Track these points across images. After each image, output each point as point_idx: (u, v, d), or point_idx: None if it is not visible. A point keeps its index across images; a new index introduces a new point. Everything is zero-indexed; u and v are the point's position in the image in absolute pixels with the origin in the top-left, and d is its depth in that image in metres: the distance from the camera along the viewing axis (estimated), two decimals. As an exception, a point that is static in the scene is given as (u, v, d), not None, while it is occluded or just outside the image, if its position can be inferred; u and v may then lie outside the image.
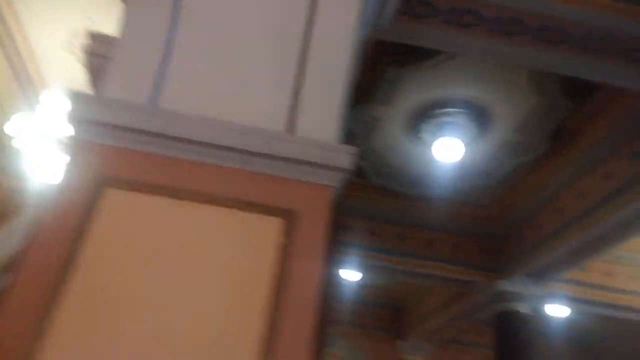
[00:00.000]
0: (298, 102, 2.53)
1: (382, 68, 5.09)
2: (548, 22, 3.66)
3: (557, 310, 8.52)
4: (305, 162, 2.33)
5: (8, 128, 6.08)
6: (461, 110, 5.42)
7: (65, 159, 2.34)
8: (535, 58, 3.83)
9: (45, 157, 6.07)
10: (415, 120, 5.79)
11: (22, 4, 6.25)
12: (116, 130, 2.30)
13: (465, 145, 5.86)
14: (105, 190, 2.18)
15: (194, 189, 2.32)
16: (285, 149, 2.35)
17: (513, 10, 3.66)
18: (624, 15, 3.61)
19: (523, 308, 7.15)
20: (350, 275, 8.33)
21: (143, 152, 2.42)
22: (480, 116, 5.51)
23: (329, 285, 2.40)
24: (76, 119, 2.24)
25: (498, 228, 7.42)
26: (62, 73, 6.72)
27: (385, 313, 10.88)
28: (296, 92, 2.57)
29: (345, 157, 2.37)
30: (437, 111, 5.49)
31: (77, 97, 2.26)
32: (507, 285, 7.13)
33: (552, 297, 7.62)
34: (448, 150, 5.68)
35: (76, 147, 2.27)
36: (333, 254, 2.50)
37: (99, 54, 2.89)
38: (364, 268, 7.54)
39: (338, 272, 8.66)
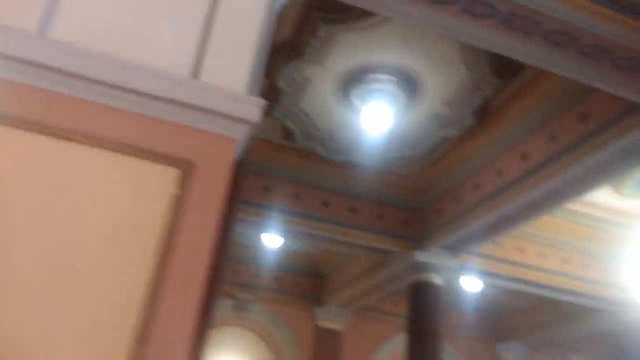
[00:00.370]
0: (206, 46, 2.33)
1: (314, 25, 4.93)
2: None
3: (471, 283, 8.94)
4: (208, 110, 2.16)
5: None
6: (392, 77, 5.38)
7: None
8: (462, 30, 3.81)
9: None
10: (346, 85, 5.69)
11: None
12: (-2, 58, 2.03)
13: (394, 115, 5.86)
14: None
15: (83, 130, 2.10)
16: (187, 95, 2.17)
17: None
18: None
19: (438, 279, 7.42)
20: (271, 240, 8.26)
21: (27, 85, 2.16)
22: (410, 86, 5.50)
23: (226, 243, 2.29)
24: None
25: (420, 200, 7.59)
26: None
27: (305, 280, 10.98)
28: (205, 35, 2.36)
29: (252, 110, 2.22)
30: (369, 77, 5.42)
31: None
32: (424, 257, 7.34)
33: (466, 270, 7.94)
34: (377, 118, 5.65)
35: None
36: (234, 211, 2.37)
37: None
38: (286, 233, 7.47)
39: (260, 236, 8.58)
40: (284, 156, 7.08)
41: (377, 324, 11.12)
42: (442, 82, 5.51)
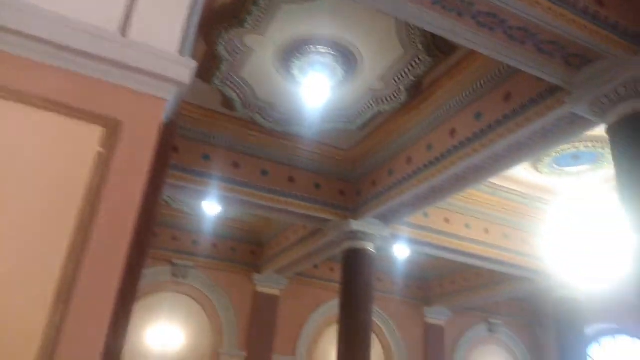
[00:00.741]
0: (136, 4, 2.31)
1: (255, -7, 4.90)
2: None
3: (401, 251, 9.38)
4: (136, 69, 2.17)
5: None
6: (330, 50, 5.46)
7: None
8: (396, 7, 3.91)
9: None
10: (287, 56, 5.73)
11: None
12: None
13: (332, 88, 5.97)
14: None
15: (6, 85, 2.05)
16: (115, 52, 2.16)
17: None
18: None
19: (370, 247, 7.74)
20: (210, 207, 8.27)
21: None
22: (347, 59, 5.62)
23: (155, 206, 2.32)
24: None
25: (355, 171, 7.83)
26: None
27: (243, 247, 11.09)
28: (136, -7, 2.35)
29: (182, 70, 2.25)
30: (308, 48, 5.48)
31: None
32: (358, 226, 7.62)
33: (397, 239, 8.30)
34: (315, 90, 5.74)
35: None
36: (164, 174, 2.40)
37: None
38: (224, 201, 7.50)
39: (199, 204, 8.54)
40: (223, 124, 7.05)
41: (312, 289, 11.46)
42: (378, 57, 5.65)
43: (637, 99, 4.12)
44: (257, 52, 5.72)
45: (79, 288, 1.86)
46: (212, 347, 10.33)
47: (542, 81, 4.86)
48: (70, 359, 1.77)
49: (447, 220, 8.34)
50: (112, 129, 2.10)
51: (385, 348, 11.91)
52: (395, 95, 6.20)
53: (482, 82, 5.61)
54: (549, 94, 4.91)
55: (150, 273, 9.94)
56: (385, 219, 7.64)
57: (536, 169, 7.50)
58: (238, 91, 6.40)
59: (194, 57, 2.46)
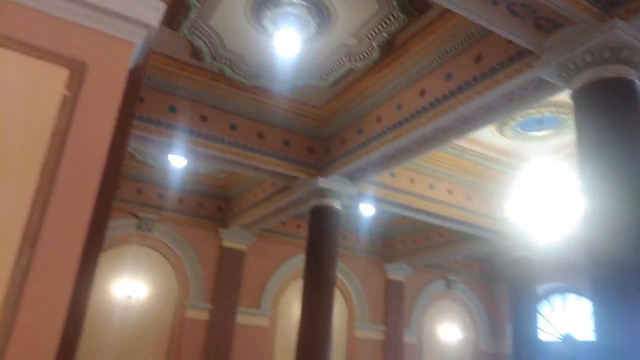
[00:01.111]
0: (103, -60, 2.19)
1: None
2: None
3: (367, 209, 9.55)
4: (104, 9, 2.08)
5: None
6: (303, 2, 5.33)
7: None
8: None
9: None
10: (259, 6, 5.56)
11: None
12: None
13: (304, 42, 5.86)
14: None
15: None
16: (80, -9, 2.06)
17: None
18: None
19: (337, 204, 7.83)
20: (177, 160, 8.15)
21: None
22: (320, 13, 5.50)
23: (122, 153, 2.28)
24: None
25: (325, 129, 7.81)
26: None
27: (210, 201, 11.06)
28: None
29: (150, 13, 2.17)
30: None
31: None
32: (326, 183, 7.68)
33: (363, 197, 8.42)
34: (287, 43, 5.63)
35: None
36: (130, 123, 2.35)
37: None
38: (191, 154, 7.39)
39: (165, 156, 8.40)
40: (191, 75, 6.87)
41: (279, 245, 11.61)
42: (352, 12, 5.56)
43: (603, 66, 4.22)
44: (228, 0, 5.53)
45: (46, 232, 1.84)
46: (178, 299, 10.43)
47: (513, 45, 4.91)
48: (38, 303, 1.77)
49: (412, 181, 8.49)
50: (78, 72, 2.03)
51: (348, 302, 12.30)
52: (368, 52, 6.15)
53: (454, 43, 5.62)
54: (519, 57, 4.97)
55: (115, 225, 9.83)
56: (353, 177, 7.72)
57: (501, 132, 7.66)
58: (207, 41, 6.21)
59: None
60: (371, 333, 12.32)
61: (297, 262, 11.04)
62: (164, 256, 10.51)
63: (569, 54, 4.34)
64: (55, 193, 1.92)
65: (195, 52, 6.43)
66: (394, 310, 12.71)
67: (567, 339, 12.84)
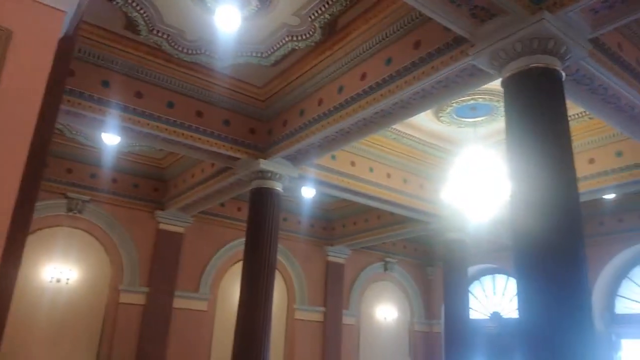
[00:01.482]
0: None
1: None
2: None
3: (308, 192, 9.61)
4: (29, -27, 1.95)
5: None
6: (245, -21, 5.23)
7: None
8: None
9: None
10: (198, -19, 5.40)
11: None
12: None
13: (245, 19, 5.76)
14: None
15: None
16: (3, -48, 1.92)
17: None
18: None
19: (278, 187, 7.82)
20: (110, 139, 7.81)
21: None
22: (263, -9, 5.42)
23: (49, 131, 2.17)
24: None
25: (267, 110, 7.75)
26: None
27: (146, 182, 10.73)
28: None
29: (82, -20, 2.06)
30: (222, -25, 5.19)
31: None
32: (267, 165, 7.63)
33: (305, 180, 8.47)
34: (228, 19, 5.51)
35: None
36: (60, 97, 2.24)
37: None
38: (125, 132, 7.10)
39: (97, 134, 8.03)
40: (125, 49, 6.57)
41: (218, 228, 11.47)
42: (295, -8, 5.51)
43: (531, 56, 4.44)
44: (167, -27, 5.34)
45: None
46: (112, 283, 10.10)
47: (450, 32, 5.04)
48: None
49: (352, 164, 8.63)
50: (2, 39, 1.90)
51: (288, 284, 12.40)
52: (310, 33, 6.13)
53: (395, 27, 5.71)
54: (455, 45, 5.12)
55: (43, 206, 9.35)
56: (295, 159, 7.73)
57: (437, 118, 7.91)
58: (143, 12, 5.94)
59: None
60: (311, 314, 12.50)
61: (238, 245, 10.97)
62: (97, 239, 10.12)
63: (500, 43, 4.53)
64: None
65: (130, 24, 6.15)
66: (334, 291, 12.96)
67: (494, 316, 13.64)
